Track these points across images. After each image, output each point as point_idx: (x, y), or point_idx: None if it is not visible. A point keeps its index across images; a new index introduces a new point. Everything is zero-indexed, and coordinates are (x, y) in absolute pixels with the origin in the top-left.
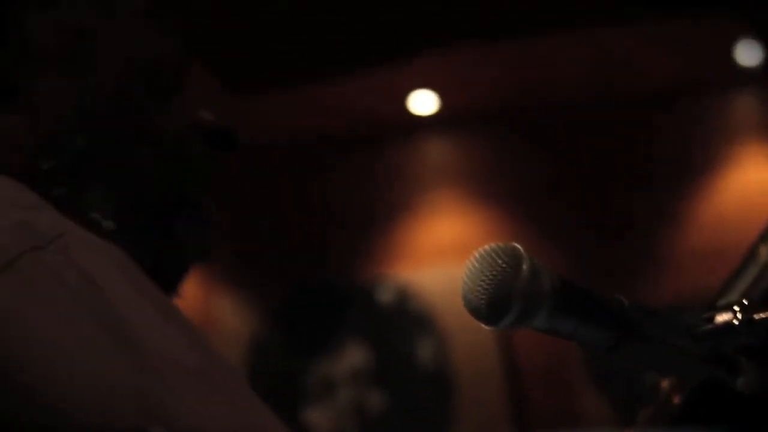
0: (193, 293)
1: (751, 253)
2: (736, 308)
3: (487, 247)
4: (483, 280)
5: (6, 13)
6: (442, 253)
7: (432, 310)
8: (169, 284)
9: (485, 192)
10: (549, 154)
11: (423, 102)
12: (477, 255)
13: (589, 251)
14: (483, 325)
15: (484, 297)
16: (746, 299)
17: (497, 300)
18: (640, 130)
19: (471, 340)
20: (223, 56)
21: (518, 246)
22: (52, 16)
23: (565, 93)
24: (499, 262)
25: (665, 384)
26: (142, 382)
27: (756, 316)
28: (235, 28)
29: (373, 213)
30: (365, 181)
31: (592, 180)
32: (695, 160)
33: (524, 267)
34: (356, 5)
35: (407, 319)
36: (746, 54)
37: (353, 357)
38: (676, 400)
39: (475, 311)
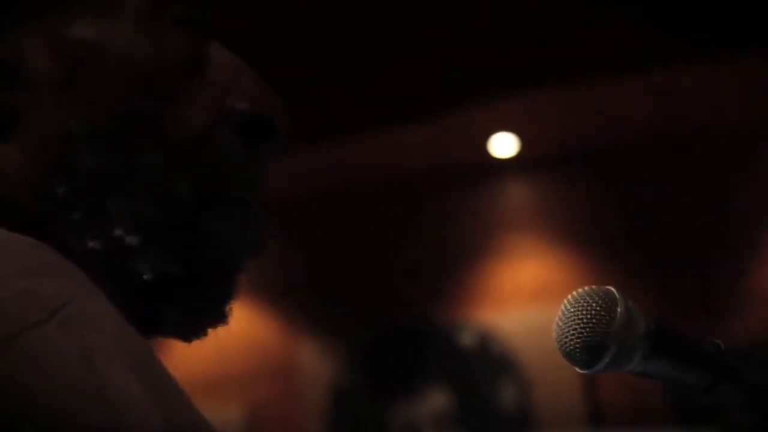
0: (275, 340)
1: None
2: None
3: (581, 289)
4: (578, 324)
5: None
6: (523, 295)
7: (514, 353)
8: (215, 300)
9: (565, 234)
10: (626, 195)
11: (503, 144)
12: (571, 298)
13: (668, 293)
14: (578, 369)
15: (579, 340)
16: None
17: (592, 344)
18: (717, 169)
19: (553, 383)
20: (306, 99)
21: (613, 289)
22: (46, 34)
23: (644, 134)
24: (594, 305)
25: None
26: None
27: None
28: (321, 71)
29: (454, 256)
30: (446, 224)
31: (672, 222)
32: None
33: (619, 310)
34: (439, 50)
35: (489, 362)
36: None
37: (435, 401)
38: None
39: (570, 355)
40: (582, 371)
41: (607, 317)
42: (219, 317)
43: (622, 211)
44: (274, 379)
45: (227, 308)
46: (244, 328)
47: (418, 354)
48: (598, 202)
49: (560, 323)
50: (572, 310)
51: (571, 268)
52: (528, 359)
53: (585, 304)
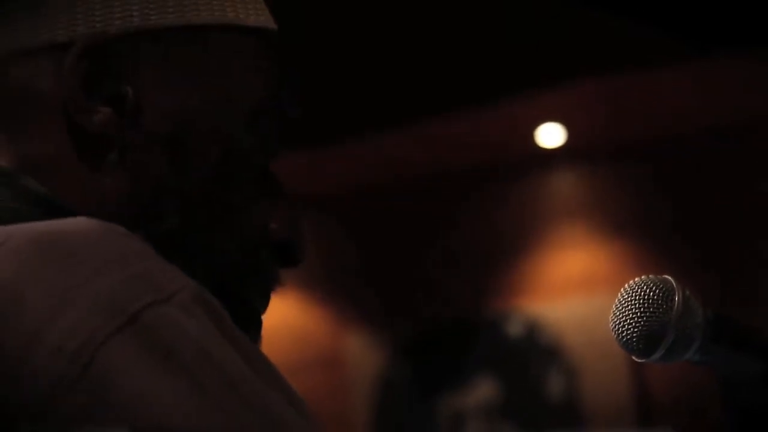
0: (323, 331)
1: None
2: None
3: (638, 278)
4: (635, 312)
5: (131, 82)
6: (571, 286)
7: (561, 344)
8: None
9: (613, 225)
10: (674, 186)
11: (551, 135)
12: (628, 287)
13: (716, 285)
14: (635, 358)
15: (636, 329)
16: None
17: (650, 333)
18: (764, 160)
19: (601, 372)
20: (355, 93)
21: (670, 278)
22: (168, 97)
23: (692, 124)
24: (652, 294)
25: None
26: None
27: None
28: (371, 64)
29: (502, 247)
30: (493, 214)
31: (720, 213)
32: None
33: (677, 299)
34: (485, 40)
35: (537, 352)
36: None
37: (483, 391)
38: None
39: (627, 344)
40: (639, 360)
41: (665, 306)
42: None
43: (671, 203)
44: (321, 370)
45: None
46: (292, 318)
47: (465, 345)
48: (646, 193)
49: (617, 311)
50: (629, 298)
51: (620, 259)
52: (576, 350)
53: (642, 293)
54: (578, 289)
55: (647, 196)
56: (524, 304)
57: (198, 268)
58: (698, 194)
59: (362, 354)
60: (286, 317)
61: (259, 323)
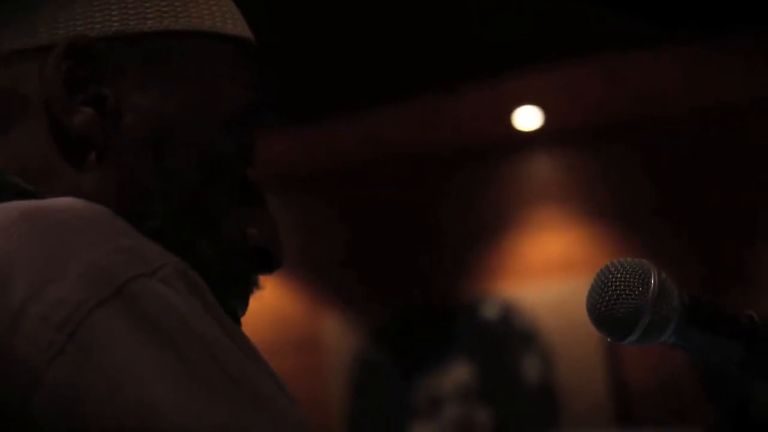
0: (300, 313)
1: None
2: None
3: (615, 261)
4: (611, 294)
5: (112, 84)
6: (548, 269)
7: (537, 327)
8: None
9: (591, 208)
10: (654, 169)
11: (528, 118)
12: (605, 268)
13: (695, 269)
14: (610, 340)
15: (612, 311)
16: None
17: (625, 315)
18: (747, 144)
19: (577, 356)
20: (335, 72)
21: (646, 261)
22: (148, 100)
23: (671, 107)
24: (628, 276)
25: None
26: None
27: None
28: (351, 44)
29: (480, 229)
30: (471, 197)
31: (699, 196)
32: None
33: (653, 281)
34: (462, 22)
35: (513, 336)
36: None
37: (459, 374)
38: None
39: (602, 325)
40: (614, 342)
41: (641, 288)
42: None
43: (649, 186)
44: (298, 352)
45: None
46: (270, 300)
47: (441, 328)
48: (624, 176)
49: (593, 293)
50: (605, 280)
51: (597, 242)
52: (552, 333)
53: (619, 275)
54: (556, 273)
55: (626, 180)
56: (501, 287)
57: None
58: (677, 177)
59: (339, 336)
60: (263, 299)
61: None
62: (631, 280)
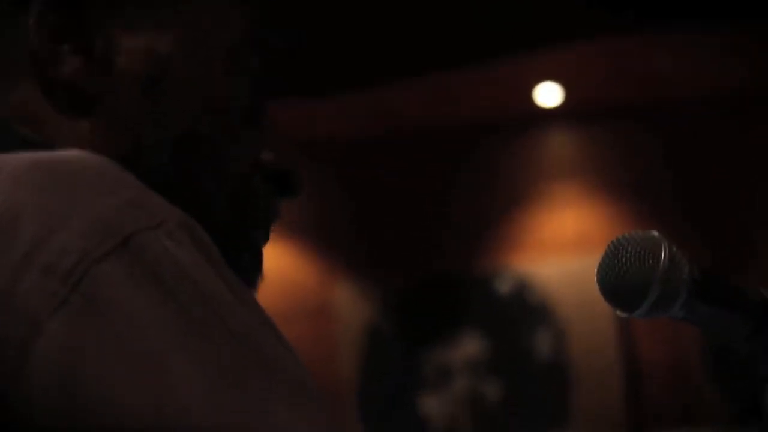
0: (312, 281)
1: None
2: None
3: (626, 234)
4: (621, 266)
5: (100, 30)
6: (563, 245)
7: (551, 302)
8: None
9: (607, 185)
10: (672, 148)
11: (549, 95)
12: (615, 241)
13: (708, 247)
14: (619, 313)
15: (621, 284)
16: None
17: (635, 287)
18: (764, 126)
19: (589, 332)
20: (356, 43)
21: (657, 233)
22: (140, 40)
23: (691, 88)
24: (638, 248)
25: None
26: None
27: None
28: (371, 15)
29: (496, 204)
30: (489, 172)
31: (716, 175)
32: None
33: (664, 254)
34: None
35: (525, 310)
36: None
37: (470, 347)
38: None
39: (612, 298)
40: (623, 315)
41: (651, 261)
42: None
43: (665, 164)
44: (309, 319)
45: None
46: (281, 268)
47: (454, 300)
48: (641, 154)
49: (603, 266)
50: (616, 252)
51: (613, 219)
52: (565, 309)
53: (629, 248)
54: (570, 248)
55: (643, 158)
56: (516, 262)
57: (187, 208)
58: (694, 156)
59: (351, 306)
60: (275, 266)
61: (259, 256)
62: (642, 252)
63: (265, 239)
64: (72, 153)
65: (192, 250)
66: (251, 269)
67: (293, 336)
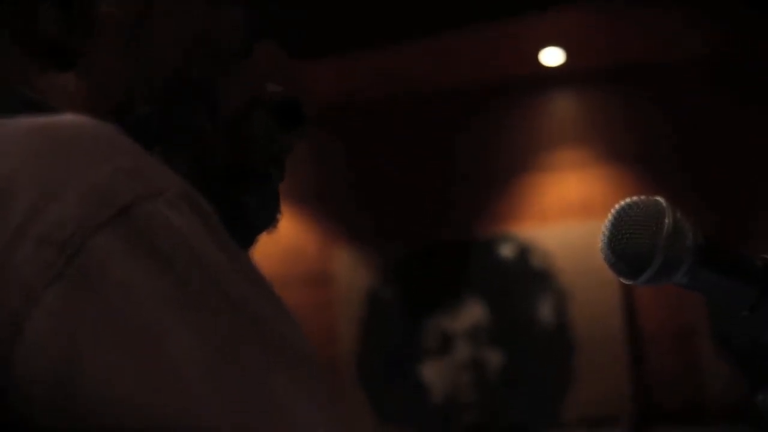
0: (313, 247)
1: None
2: None
3: (630, 199)
4: (624, 233)
5: None
6: (566, 211)
7: (554, 268)
8: None
9: (612, 150)
10: (676, 112)
11: (550, 58)
12: (618, 207)
13: (713, 213)
14: (622, 280)
15: (624, 251)
16: None
17: (638, 254)
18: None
19: (593, 298)
20: (358, 5)
21: (661, 200)
22: None
23: (693, 50)
24: (641, 215)
25: None
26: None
27: None
28: None
29: (499, 168)
30: (491, 136)
31: (720, 139)
32: None
33: (667, 221)
34: None
35: (528, 276)
36: None
37: (472, 313)
38: None
39: (614, 265)
40: (626, 282)
41: (655, 227)
42: None
43: (670, 129)
44: (310, 285)
45: None
46: (282, 233)
47: (457, 266)
48: (646, 119)
49: (606, 232)
50: (619, 219)
51: (617, 185)
52: (569, 275)
53: (632, 214)
54: (574, 214)
55: (648, 123)
56: (519, 227)
57: (183, 155)
58: (699, 120)
59: (352, 271)
60: (275, 231)
61: (272, 192)
62: (646, 218)
63: (280, 175)
64: (68, 118)
65: (191, 220)
66: (263, 210)
67: (293, 303)
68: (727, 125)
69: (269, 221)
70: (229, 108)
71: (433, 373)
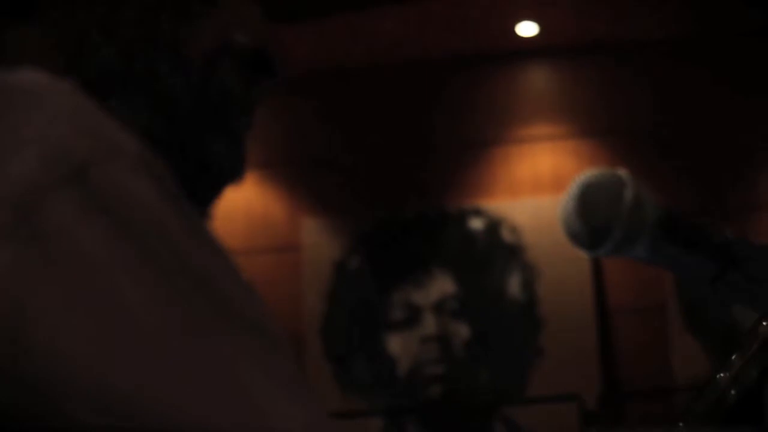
0: (280, 213)
1: None
2: None
3: (591, 172)
4: (584, 205)
5: None
6: (537, 185)
7: (524, 243)
8: (201, 206)
9: (585, 126)
10: (651, 88)
11: (527, 30)
12: (579, 179)
13: (687, 190)
14: (583, 252)
15: (584, 222)
16: None
17: (597, 226)
18: (748, 67)
19: (562, 275)
20: None
21: (623, 172)
22: None
23: (666, 26)
24: (603, 187)
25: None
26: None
27: None
28: None
29: (470, 142)
30: (464, 108)
31: (696, 117)
32: None
33: (627, 193)
34: None
35: (498, 250)
36: None
37: (440, 286)
38: None
39: (575, 236)
40: (587, 254)
41: (615, 199)
42: None
43: (645, 105)
44: (277, 254)
45: None
46: (250, 200)
47: (426, 239)
48: (620, 94)
49: (567, 204)
50: (579, 191)
51: (590, 159)
52: (538, 250)
53: (593, 185)
54: (546, 189)
55: (622, 98)
56: (489, 201)
57: (146, 101)
58: (672, 95)
59: (320, 241)
60: (243, 198)
61: (238, 144)
62: (606, 191)
63: (247, 125)
64: (27, 76)
65: (149, 183)
66: (228, 160)
67: (260, 271)
68: (701, 101)
69: (235, 172)
70: (195, 55)
71: (400, 346)
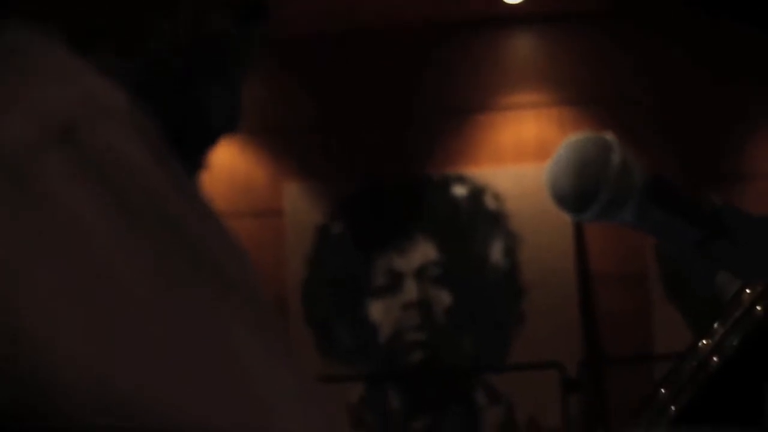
0: (262, 178)
1: None
2: None
3: (578, 135)
4: (571, 168)
5: None
6: (521, 152)
7: (507, 210)
8: (194, 153)
9: (569, 93)
10: (635, 56)
11: None
12: (566, 143)
13: (670, 158)
14: (569, 216)
15: (571, 185)
16: None
17: (584, 189)
18: (733, 34)
19: (544, 242)
20: None
21: (610, 136)
22: None
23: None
24: (589, 150)
25: (748, 291)
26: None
27: None
28: None
29: (454, 108)
30: (448, 74)
31: (680, 85)
32: None
33: (614, 157)
34: None
35: (481, 217)
36: None
37: (422, 252)
38: (759, 308)
39: (561, 199)
40: (573, 217)
41: (602, 162)
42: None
43: (627, 71)
44: (259, 219)
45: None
46: (233, 164)
47: (408, 205)
48: (604, 62)
49: (553, 167)
50: (566, 154)
51: (574, 127)
52: (521, 217)
53: (580, 148)
54: (529, 156)
55: (606, 65)
56: (472, 168)
57: (137, 50)
58: (658, 65)
59: (302, 205)
60: (226, 163)
61: (233, 92)
62: (593, 155)
63: (243, 73)
64: (18, 34)
65: (138, 143)
66: (225, 106)
67: (242, 235)
68: (686, 69)
69: (231, 120)
70: (182, 8)
71: (381, 311)
